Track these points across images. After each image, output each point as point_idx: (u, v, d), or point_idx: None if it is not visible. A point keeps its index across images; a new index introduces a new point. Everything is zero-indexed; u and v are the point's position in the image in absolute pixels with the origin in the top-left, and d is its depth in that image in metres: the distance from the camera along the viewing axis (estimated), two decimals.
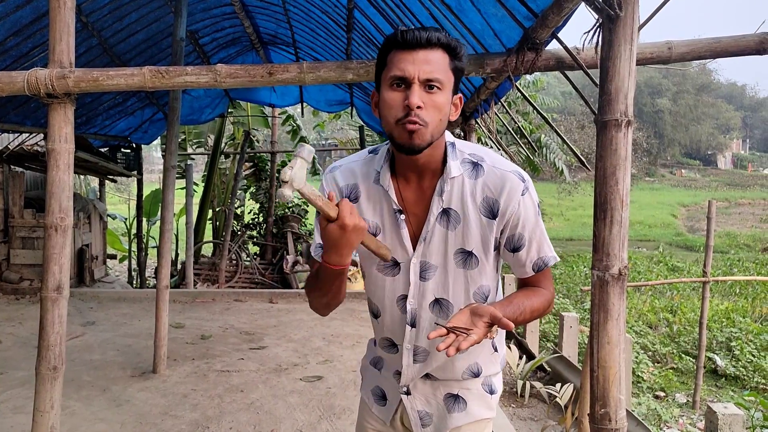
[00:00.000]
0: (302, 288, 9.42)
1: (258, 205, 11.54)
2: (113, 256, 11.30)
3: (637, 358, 9.04)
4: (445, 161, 1.57)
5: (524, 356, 5.49)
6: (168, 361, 5.36)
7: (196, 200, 10.97)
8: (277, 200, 10.62)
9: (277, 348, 6.00)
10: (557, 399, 4.37)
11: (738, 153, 67.52)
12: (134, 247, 11.54)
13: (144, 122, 8.97)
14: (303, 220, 11.32)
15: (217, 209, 11.41)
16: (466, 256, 1.62)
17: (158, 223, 10.51)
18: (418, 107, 1.44)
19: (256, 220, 11.50)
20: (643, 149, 35.83)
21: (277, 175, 11.22)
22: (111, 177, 10.51)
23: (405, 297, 1.68)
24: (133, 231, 11.49)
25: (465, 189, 1.56)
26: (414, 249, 1.63)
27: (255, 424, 4.19)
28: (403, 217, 1.60)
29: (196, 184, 10.83)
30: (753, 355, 9.78)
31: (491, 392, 1.80)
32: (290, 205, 11.50)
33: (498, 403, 4.66)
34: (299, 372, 5.30)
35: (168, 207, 5.12)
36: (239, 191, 11.25)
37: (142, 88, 2.92)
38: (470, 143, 1.65)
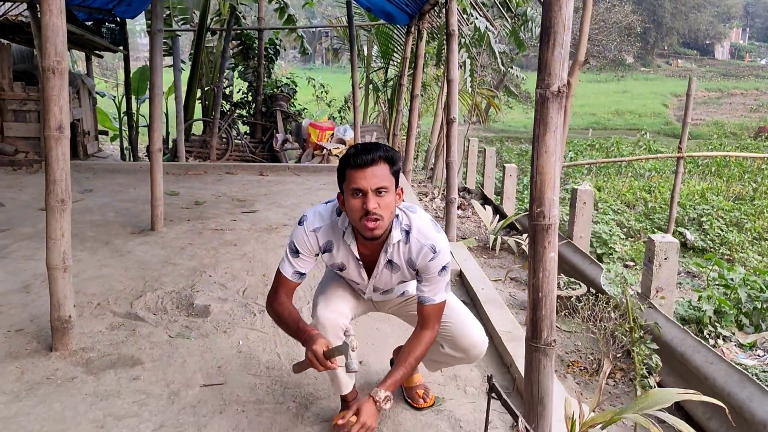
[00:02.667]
0: (291, 164, 9.69)
1: (246, 84, 11.54)
2: (105, 132, 11.43)
3: (611, 230, 9.50)
4: (390, 229, 2.23)
5: (498, 215, 5.86)
6: (165, 221, 5.70)
7: (184, 79, 10.95)
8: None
9: (268, 212, 6.34)
10: (523, 246, 4.76)
11: (737, 43, 66.21)
12: (124, 126, 11.64)
13: None
14: (292, 99, 11.39)
15: (206, 88, 11.41)
16: (404, 281, 2.43)
17: (147, 101, 10.59)
18: (374, 208, 2.07)
19: (245, 99, 11.54)
20: (636, 34, 34.98)
21: (265, 53, 11.17)
22: (97, 52, 10.42)
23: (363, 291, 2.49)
24: (123, 110, 11.53)
25: (400, 250, 2.27)
26: (369, 279, 2.39)
27: (248, 270, 4.58)
28: (361, 262, 2.33)
29: (183, 62, 10.77)
30: (721, 230, 10.29)
31: None
32: (279, 84, 11.53)
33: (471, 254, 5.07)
34: (289, 231, 5.63)
35: (156, 71, 5.24)
36: (227, 70, 11.20)
37: None
38: (408, 213, 2.28)
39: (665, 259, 3.35)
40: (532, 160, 2.10)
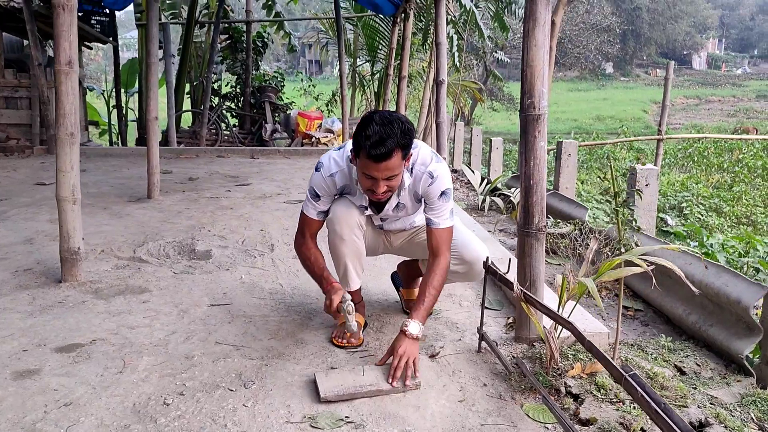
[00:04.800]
0: (282, 148, 9.82)
1: (235, 78, 11.68)
2: (94, 123, 11.48)
3: (594, 214, 9.71)
4: None
5: (486, 177, 6.06)
6: (160, 192, 5.81)
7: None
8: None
9: (261, 185, 6.48)
10: (511, 198, 4.95)
11: (713, 53, 67.63)
12: (113, 120, 11.70)
13: None
14: (280, 92, 11.55)
15: (195, 83, 11.53)
16: (409, 215, 2.57)
17: (136, 94, 10.68)
18: (383, 191, 2.20)
19: (234, 92, 11.68)
20: (616, 34, 35.55)
21: (253, 46, 11.33)
22: (87, 43, 10.51)
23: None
24: (112, 103, 11.60)
25: (407, 188, 2.39)
26: (377, 215, 2.52)
27: (245, 227, 4.70)
28: (370, 210, 2.48)
29: (173, 55, 10.89)
30: (701, 215, 10.58)
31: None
32: (267, 77, 11.70)
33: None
34: (283, 198, 5.80)
35: (153, 40, 5.38)
36: (216, 64, 11.34)
37: None
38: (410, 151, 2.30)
39: (646, 185, 3.54)
40: (522, 55, 2.27)
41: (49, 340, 2.57)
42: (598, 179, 14.56)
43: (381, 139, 2.09)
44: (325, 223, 2.55)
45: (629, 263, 2.04)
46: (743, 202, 11.33)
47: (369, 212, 2.53)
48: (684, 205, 10.81)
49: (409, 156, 2.26)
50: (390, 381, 2.11)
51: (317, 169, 2.45)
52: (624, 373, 1.45)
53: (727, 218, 10.58)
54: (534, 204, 2.29)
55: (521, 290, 2.05)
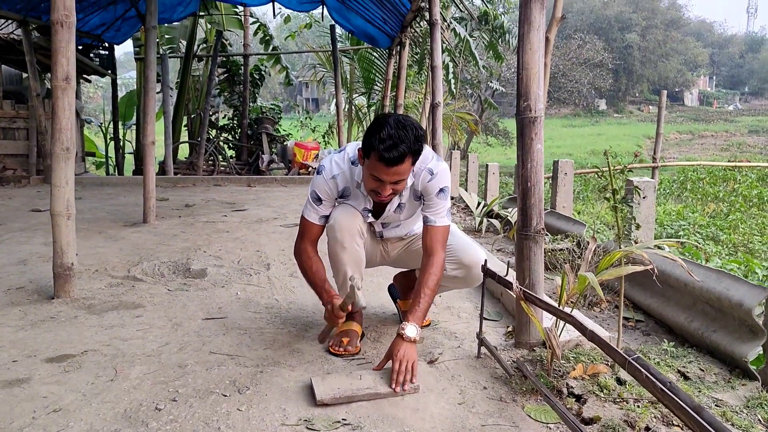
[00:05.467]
0: (279, 176, 9.82)
1: (232, 110, 11.77)
2: (91, 154, 11.50)
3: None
4: None
5: (482, 202, 6.06)
6: (156, 218, 5.79)
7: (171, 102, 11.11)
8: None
9: (257, 210, 6.46)
10: (508, 218, 4.93)
11: (704, 90, 68.67)
12: (110, 153, 11.74)
13: (117, 19, 9.08)
14: (277, 124, 11.62)
15: (192, 116, 11.61)
16: (408, 217, 2.56)
17: (134, 127, 10.74)
18: (388, 194, 2.22)
19: (231, 124, 11.75)
20: (608, 69, 36.14)
21: (250, 78, 11.45)
22: (85, 76, 10.60)
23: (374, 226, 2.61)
24: (110, 135, 11.64)
25: (408, 187, 2.37)
26: (377, 219, 2.52)
27: (241, 248, 4.67)
28: (371, 212, 2.48)
29: (171, 89, 11.00)
30: (698, 243, 10.55)
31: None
32: (264, 109, 11.79)
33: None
34: (279, 222, 5.78)
35: (150, 66, 5.43)
36: (213, 97, 11.45)
37: None
38: None
39: (644, 198, 3.54)
40: (517, 59, 2.29)
41: (40, 351, 2.52)
42: (597, 195, 14.60)
43: (395, 143, 2.08)
44: (325, 230, 2.53)
45: (628, 259, 2.02)
46: (740, 231, 11.32)
47: (371, 219, 2.51)
48: (681, 233, 10.80)
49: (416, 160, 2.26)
50: (393, 386, 2.06)
51: (319, 173, 2.45)
52: (627, 357, 1.41)
53: (725, 246, 10.55)
54: (532, 206, 2.28)
55: (521, 289, 2.02)
